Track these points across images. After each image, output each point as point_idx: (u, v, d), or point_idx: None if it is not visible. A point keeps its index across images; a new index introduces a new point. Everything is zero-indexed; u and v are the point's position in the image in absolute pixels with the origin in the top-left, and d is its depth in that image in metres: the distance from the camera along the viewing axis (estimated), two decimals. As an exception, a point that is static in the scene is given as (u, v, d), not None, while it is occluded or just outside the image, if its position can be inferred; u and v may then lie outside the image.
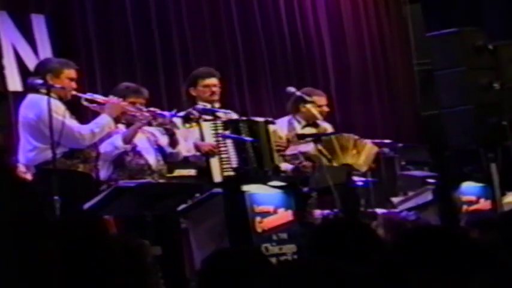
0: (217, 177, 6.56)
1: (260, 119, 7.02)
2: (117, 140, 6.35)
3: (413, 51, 11.20)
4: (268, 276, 1.61)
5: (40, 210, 1.75)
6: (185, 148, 6.66)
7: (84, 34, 8.49)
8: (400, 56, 11.30)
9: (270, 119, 7.15)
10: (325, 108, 7.52)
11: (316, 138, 6.85)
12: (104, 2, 8.74)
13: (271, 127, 6.91)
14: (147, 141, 6.56)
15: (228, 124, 6.68)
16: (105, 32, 8.69)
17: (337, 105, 10.39)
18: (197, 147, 6.64)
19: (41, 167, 5.98)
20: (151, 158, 6.49)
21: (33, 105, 6.01)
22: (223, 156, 6.58)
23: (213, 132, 6.69)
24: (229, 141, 6.60)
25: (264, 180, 6.35)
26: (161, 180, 6.37)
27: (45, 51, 7.97)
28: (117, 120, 6.31)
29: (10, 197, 1.71)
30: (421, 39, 10.81)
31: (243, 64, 9.83)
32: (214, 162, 6.61)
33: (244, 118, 6.95)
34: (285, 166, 7.08)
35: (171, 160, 6.66)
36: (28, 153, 6.04)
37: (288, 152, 7.01)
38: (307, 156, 6.89)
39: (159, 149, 6.56)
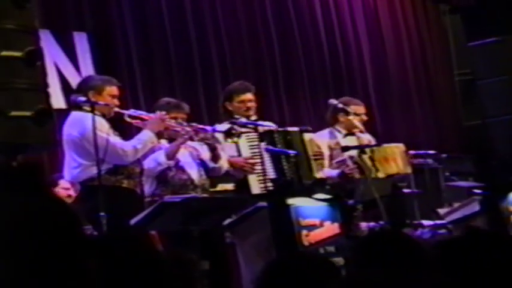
0: (255, 189, 6.53)
1: (294, 129, 6.97)
2: (161, 156, 6.34)
3: (454, 61, 11.11)
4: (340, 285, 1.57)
5: (76, 227, 1.73)
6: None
7: (125, 51, 8.54)
8: (440, 66, 11.22)
9: (304, 127, 7.08)
10: (364, 117, 7.46)
11: (361, 150, 6.78)
12: (143, 19, 8.79)
13: (306, 136, 6.84)
14: (190, 156, 6.55)
15: (263, 136, 6.64)
16: (145, 48, 8.74)
17: (378, 116, 10.34)
18: (231, 164, 6.62)
19: (86, 184, 5.99)
20: (194, 173, 6.47)
21: (77, 123, 6.02)
22: (260, 168, 6.54)
23: (249, 144, 6.66)
24: (265, 153, 6.56)
25: (308, 193, 6.30)
26: (205, 195, 6.35)
27: (87, 68, 8.02)
28: (159, 136, 6.31)
29: (45, 214, 1.69)
30: (462, 49, 10.73)
31: (281, 76, 9.82)
32: (252, 175, 6.59)
33: (280, 129, 6.89)
34: (330, 172, 7.04)
35: (213, 175, 6.65)
36: (73, 170, 6.05)
37: (336, 160, 6.98)
38: (355, 161, 6.85)
39: (202, 164, 6.54)
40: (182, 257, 3.08)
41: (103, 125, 5.95)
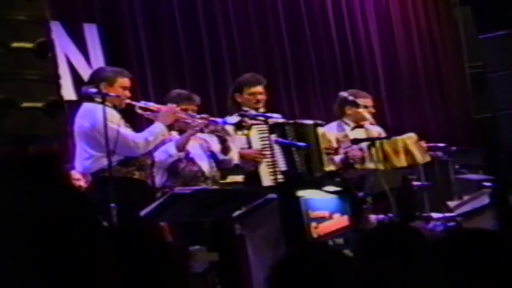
0: (266, 182, 6.54)
1: (309, 122, 6.97)
2: (171, 148, 6.36)
3: (465, 54, 11.09)
4: (353, 277, 1.58)
5: (93, 218, 1.74)
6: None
7: (136, 42, 8.56)
8: (451, 59, 11.21)
9: (319, 121, 7.08)
10: (372, 110, 7.45)
11: (371, 142, 6.78)
12: (153, 10, 8.80)
13: (320, 130, 6.84)
14: (200, 148, 6.57)
15: (274, 128, 6.64)
16: (155, 40, 8.75)
17: (388, 109, 10.34)
18: (242, 157, 6.62)
19: (97, 175, 6.01)
20: (205, 165, 6.49)
21: (88, 114, 6.04)
22: (271, 160, 6.54)
23: (259, 136, 6.66)
24: (276, 145, 6.55)
25: (318, 186, 6.31)
26: (215, 187, 6.37)
27: (98, 60, 8.05)
28: (170, 128, 6.33)
29: (63, 204, 1.70)
30: (472, 42, 10.70)
31: (291, 70, 9.82)
32: (263, 166, 6.59)
33: (290, 121, 6.89)
34: (334, 159, 7.07)
35: (223, 167, 6.66)
36: (84, 162, 6.08)
37: (342, 149, 7.01)
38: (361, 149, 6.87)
39: (212, 155, 6.56)
40: (180, 249, 3.10)
41: (114, 117, 5.97)
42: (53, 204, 1.67)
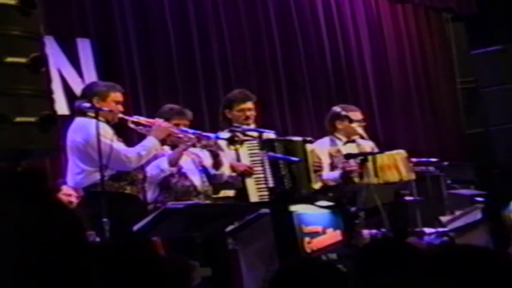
0: (253, 198, 6.55)
1: (298, 138, 6.99)
2: (163, 163, 6.36)
3: (456, 70, 11.14)
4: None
5: (79, 234, 1.74)
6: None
7: (128, 57, 8.57)
8: (442, 74, 11.26)
9: (308, 138, 7.10)
10: (362, 123, 7.48)
11: (363, 157, 6.80)
12: (146, 25, 8.82)
13: (309, 147, 6.86)
14: (192, 163, 6.58)
15: (263, 144, 6.66)
16: (147, 54, 8.77)
17: (379, 123, 10.37)
18: (233, 168, 6.64)
19: (89, 190, 6.01)
20: (197, 180, 6.50)
21: (81, 129, 6.04)
22: (259, 176, 6.56)
23: (249, 152, 6.68)
24: (265, 161, 6.57)
25: (310, 200, 6.32)
26: (207, 201, 6.37)
27: (90, 75, 8.05)
28: (162, 143, 6.33)
29: (49, 221, 1.71)
30: (464, 57, 10.76)
31: (284, 85, 9.84)
32: (250, 182, 6.60)
33: (280, 138, 6.91)
34: (332, 175, 7.09)
35: (215, 182, 6.67)
36: (76, 176, 6.07)
37: (339, 164, 7.03)
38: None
39: (204, 170, 6.56)
40: (181, 263, 3.10)
41: (107, 132, 5.97)
42: (39, 221, 1.67)
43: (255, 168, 6.60)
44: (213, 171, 6.56)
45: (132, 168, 6.06)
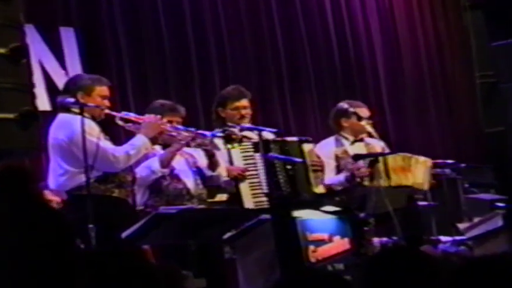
0: (248, 203, 6.55)
1: (293, 139, 6.97)
2: (154, 163, 6.36)
3: (475, 63, 11.15)
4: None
5: (69, 239, 1.76)
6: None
7: (115, 47, 8.57)
8: (460, 67, 11.26)
9: (304, 138, 7.07)
10: (369, 121, 7.48)
11: (373, 158, 6.80)
12: (135, 12, 8.82)
13: (306, 146, 6.83)
14: (186, 164, 6.58)
15: (257, 145, 6.64)
16: (137, 45, 8.76)
17: (391, 122, 10.37)
18: (227, 171, 6.65)
19: (73, 193, 5.99)
20: (190, 182, 6.50)
21: (64, 126, 6.02)
22: (253, 180, 6.56)
23: (243, 155, 6.68)
24: (260, 165, 6.57)
25: (315, 205, 6.32)
26: (202, 206, 6.37)
27: (74, 67, 8.05)
28: (153, 141, 6.32)
29: (36, 225, 1.73)
30: (484, 49, 10.76)
31: (287, 79, 9.84)
32: (244, 187, 6.60)
33: (276, 139, 6.88)
34: (336, 178, 7.10)
35: (210, 184, 6.67)
36: (59, 178, 6.04)
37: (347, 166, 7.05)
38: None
39: (198, 172, 6.57)
40: (173, 271, 3.11)
41: (93, 129, 5.96)
42: (26, 225, 1.69)
43: (250, 172, 6.60)
44: (208, 173, 6.57)
45: (119, 169, 6.05)
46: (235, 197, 6.62)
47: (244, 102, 6.92)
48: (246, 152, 6.68)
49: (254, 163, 6.61)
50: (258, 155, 6.55)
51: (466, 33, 11.31)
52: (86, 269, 2.02)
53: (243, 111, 6.86)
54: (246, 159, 6.67)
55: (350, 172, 7.05)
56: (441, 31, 11.24)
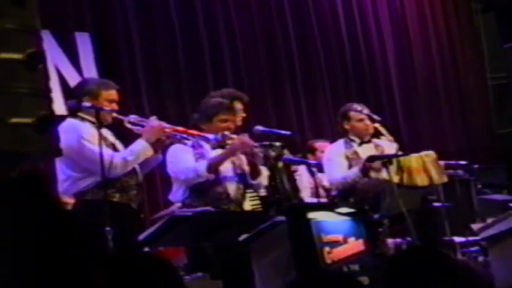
0: (246, 206, 6.53)
1: (276, 144, 6.88)
2: (201, 167, 6.28)
3: (487, 64, 11.12)
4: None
5: (86, 240, 1.76)
6: None
7: (130, 52, 8.60)
8: (472, 69, 11.24)
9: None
10: (369, 123, 7.45)
11: (387, 160, 6.78)
12: (149, 17, 8.84)
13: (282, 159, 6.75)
14: (232, 170, 6.48)
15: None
16: (150, 49, 8.78)
17: (403, 123, 10.36)
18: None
19: (78, 198, 5.93)
20: (232, 187, 6.42)
21: (65, 132, 5.97)
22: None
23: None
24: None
25: (330, 207, 6.30)
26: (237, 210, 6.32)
27: (90, 71, 8.07)
28: (157, 146, 6.16)
29: (52, 228, 1.72)
30: (496, 51, 10.73)
31: (300, 79, 9.84)
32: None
33: (277, 143, 6.79)
34: (351, 172, 7.09)
35: (251, 190, 6.61)
36: (62, 183, 5.94)
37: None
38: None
39: (242, 177, 6.50)
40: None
41: (92, 135, 5.86)
42: (42, 228, 1.68)
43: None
44: (250, 181, 6.51)
45: (117, 174, 5.90)
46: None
47: (239, 105, 6.83)
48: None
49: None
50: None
51: (478, 35, 11.28)
52: (106, 271, 2.01)
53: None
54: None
55: (363, 165, 7.06)
56: (453, 33, 11.24)
